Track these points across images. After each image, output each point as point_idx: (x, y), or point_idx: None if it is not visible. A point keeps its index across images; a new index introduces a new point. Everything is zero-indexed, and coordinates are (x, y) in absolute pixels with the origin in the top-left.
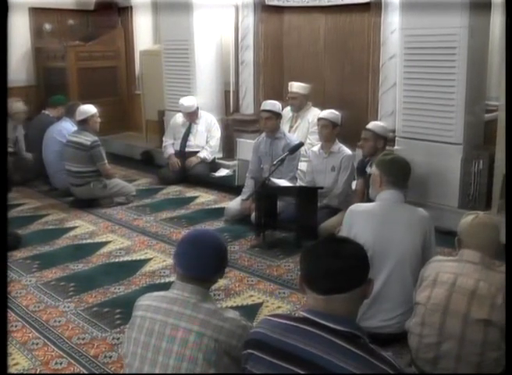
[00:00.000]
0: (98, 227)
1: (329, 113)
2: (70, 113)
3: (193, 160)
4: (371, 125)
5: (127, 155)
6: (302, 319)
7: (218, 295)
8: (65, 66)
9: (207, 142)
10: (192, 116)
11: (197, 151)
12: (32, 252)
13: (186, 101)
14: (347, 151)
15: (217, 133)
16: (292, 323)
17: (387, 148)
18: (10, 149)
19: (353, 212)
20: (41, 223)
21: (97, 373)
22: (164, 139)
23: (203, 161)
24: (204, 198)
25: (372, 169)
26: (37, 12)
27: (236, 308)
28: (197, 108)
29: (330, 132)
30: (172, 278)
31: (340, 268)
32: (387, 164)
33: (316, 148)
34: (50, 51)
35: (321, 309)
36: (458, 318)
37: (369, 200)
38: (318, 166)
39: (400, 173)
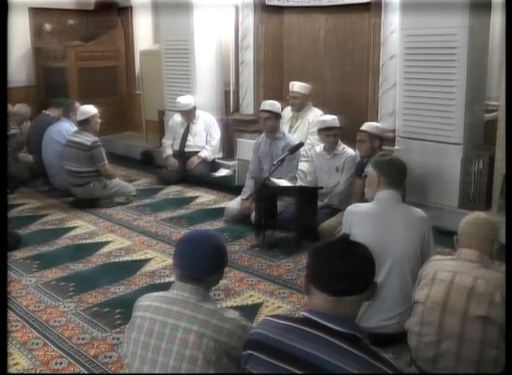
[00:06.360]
0: (98, 227)
1: (333, 120)
2: (68, 113)
3: (194, 160)
4: (365, 126)
5: (127, 155)
6: (302, 319)
7: (218, 295)
8: (65, 66)
9: (207, 142)
10: (189, 114)
11: (197, 151)
12: (32, 252)
13: (183, 100)
14: (350, 151)
15: (216, 134)
16: (292, 323)
17: (388, 148)
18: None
19: (350, 212)
20: (41, 223)
21: (97, 373)
22: (163, 140)
23: (204, 160)
24: (204, 198)
25: (368, 170)
26: (37, 12)
27: (236, 308)
28: (194, 107)
29: (336, 138)
30: (172, 278)
31: (354, 270)
32: (385, 165)
33: (318, 149)
34: (50, 51)
35: (327, 310)
36: (457, 316)
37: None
38: (321, 167)
39: (397, 174)
